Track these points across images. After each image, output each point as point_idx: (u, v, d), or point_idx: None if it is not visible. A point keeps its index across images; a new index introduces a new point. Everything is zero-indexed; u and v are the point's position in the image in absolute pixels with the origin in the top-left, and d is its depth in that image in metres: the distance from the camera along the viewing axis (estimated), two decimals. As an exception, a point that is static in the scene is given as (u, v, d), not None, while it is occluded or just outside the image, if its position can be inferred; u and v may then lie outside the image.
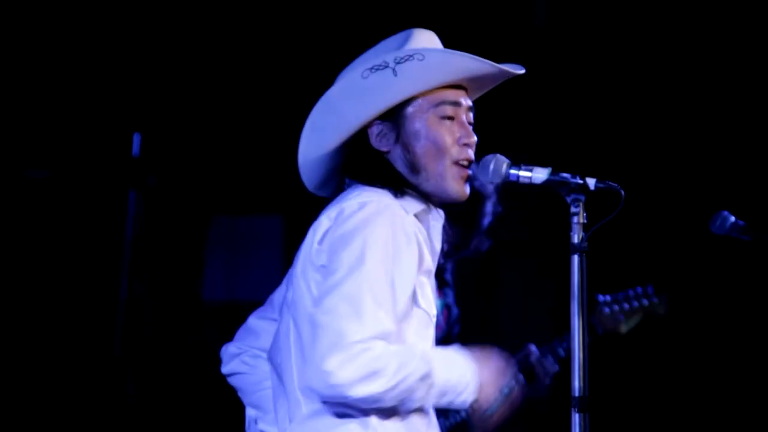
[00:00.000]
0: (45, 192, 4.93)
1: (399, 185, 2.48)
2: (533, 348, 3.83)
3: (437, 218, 2.53)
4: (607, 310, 3.89)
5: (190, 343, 5.16)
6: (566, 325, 4.02)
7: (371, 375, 2.25)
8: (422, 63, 2.42)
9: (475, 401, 2.44)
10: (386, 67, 2.42)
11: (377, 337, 2.27)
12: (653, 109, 5.00)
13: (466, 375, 2.41)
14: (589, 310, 3.91)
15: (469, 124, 2.54)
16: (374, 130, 2.49)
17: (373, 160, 2.49)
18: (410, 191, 2.49)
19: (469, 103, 2.55)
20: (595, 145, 4.98)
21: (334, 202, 2.45)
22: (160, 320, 5.11)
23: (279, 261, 5.13)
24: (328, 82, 2.55)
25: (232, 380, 2.73)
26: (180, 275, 5.18)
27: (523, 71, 2.55)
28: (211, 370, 5.08)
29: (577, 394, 2.39)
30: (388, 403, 2.30)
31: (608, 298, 3.91)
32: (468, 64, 2.47)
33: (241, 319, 5.16)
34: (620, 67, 5.00)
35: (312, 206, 2.54)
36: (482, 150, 2.55)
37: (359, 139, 2.49)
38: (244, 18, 4.98)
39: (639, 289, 3.93)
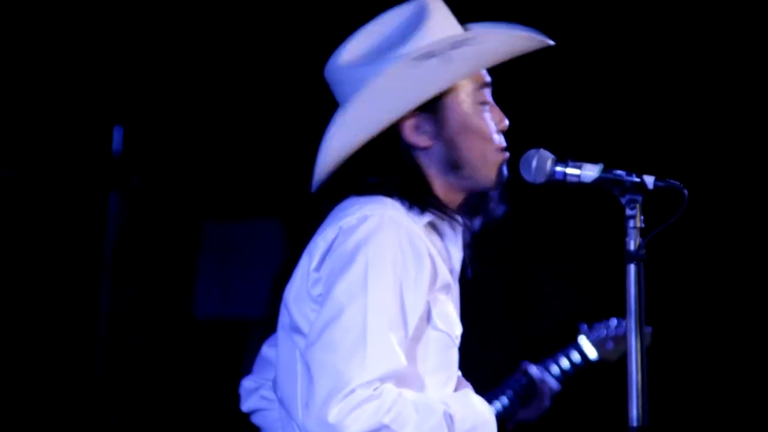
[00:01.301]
0: (12, 195, 4.91)
1: (419, 189, 2.48)
2: (532, 367, 3.89)
3: (455, 225, 2.53)
4: (595, 336, 4.00)
5: (181, 366, 5.16)
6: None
7: (381, 430, 2.25)
8: (478, 48, 2.45)
9: None
10: (435, 55, 2.43)
11: (386, 377, 2.27)
12: (709, 89, 4.95)
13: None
14: (575, 335, 4.02)
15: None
16: (410, 123, 2.50)
17: (405, 157, 2.49)
18: (428, 196, 2.49)
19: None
20: (631, 132, 4.94)
21: (331, 219, 2.45)
22: (146, 340, 5.10)
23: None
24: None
25: (254, 418, 2.75)
26: (169, 288, 5.17)
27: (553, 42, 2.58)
28: (205, 397, 5.13)
29: (635, 424, 2.39)
30: None
31: (595, 325, 4.03)
32: (524, 45, 2.52)
33: (238, 337, 5.14)
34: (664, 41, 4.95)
35: (318, 209, 2.53)
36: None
37: (390, 133, 2.49)
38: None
39: (621, 320, 4.03)
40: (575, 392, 4.06)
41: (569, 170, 2.48)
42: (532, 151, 2.50)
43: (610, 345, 4.03)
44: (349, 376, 2.24)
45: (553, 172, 2.48)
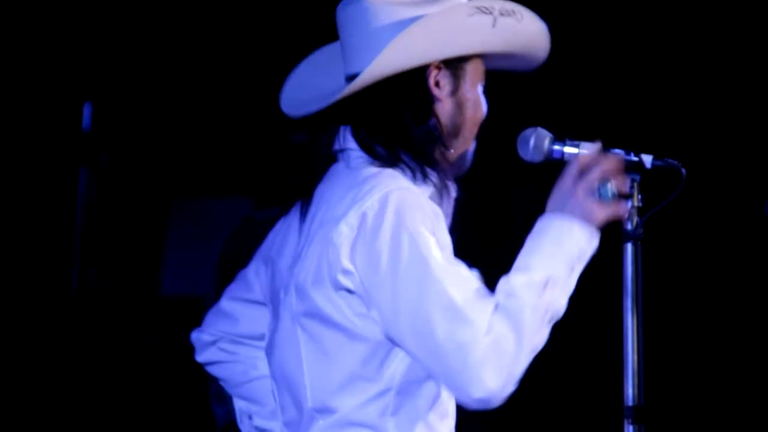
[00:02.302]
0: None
1: (431, 150, 2.44)
2: None
3: (448, 196, 2.48)
4: None
5: (149, 344, 5.13)
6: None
7: (519, 354, 2.20)
8: (518, 24, 2.44)
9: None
10: (490, 14, 2.41)
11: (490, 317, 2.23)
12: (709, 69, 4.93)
13: (575, 246, 2.32)
14: None
15: None
16: (433, 72, 2.45)
17: (427, 102, 2.44)
18: (437, 153, 2.45)
19: None
20: (624, 110, 4.94)
21: (342, 198, 2.38)
22: (115, 317, 5.08)
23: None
24: (303, 45, 2.52)
25: (212, 370, 2.71)
26: (137, 266, 5.15)
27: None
28: (172, 372, 5.10)
29: (630, 403, 2.38)
30: (542, 340, 2.25)
31: None
32: (542, 44, 2.52)
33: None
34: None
35: (286, 187, 2.49)
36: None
37: (416, 75, 2.43)
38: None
39: None
40: (571, 372, 4.07)
41: (567, 149, 2.44)
42: (530, 130, 2.46)
43: None
44: (470, 343, 2.18)
45: (551, 151, 2.44)
